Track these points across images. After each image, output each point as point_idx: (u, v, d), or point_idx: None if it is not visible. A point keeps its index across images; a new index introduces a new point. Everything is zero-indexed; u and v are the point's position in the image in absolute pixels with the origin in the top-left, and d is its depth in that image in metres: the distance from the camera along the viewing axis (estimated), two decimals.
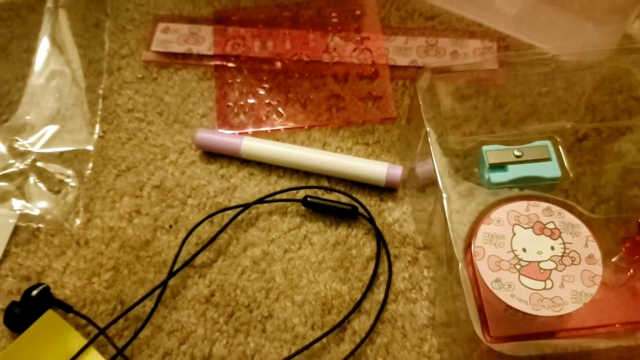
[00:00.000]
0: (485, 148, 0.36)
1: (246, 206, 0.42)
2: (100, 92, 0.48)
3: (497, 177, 0.35)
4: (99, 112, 0.47)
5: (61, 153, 0.45)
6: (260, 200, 0.42)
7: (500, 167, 0.36)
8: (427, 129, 0.38)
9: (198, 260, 0.41)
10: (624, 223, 0.36)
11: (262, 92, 0.48)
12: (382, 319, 0.38)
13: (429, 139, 0.38)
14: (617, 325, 0.32)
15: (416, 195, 0.42)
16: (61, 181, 0.44)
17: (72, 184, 0.43)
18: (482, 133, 0.43)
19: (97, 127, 0.46)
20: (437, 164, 0.37)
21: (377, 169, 0.42)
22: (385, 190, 0.43)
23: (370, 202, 0.43)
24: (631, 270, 0.34)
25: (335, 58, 0.49)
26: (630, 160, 0.39)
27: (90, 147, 0.45)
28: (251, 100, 0.47)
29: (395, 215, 0.42)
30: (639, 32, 0.48)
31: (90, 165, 0.44)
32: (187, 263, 0.40)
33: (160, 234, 0.42)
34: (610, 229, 0.36)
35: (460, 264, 0.33)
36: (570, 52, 0.42)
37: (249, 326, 0.38)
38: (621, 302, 0.33)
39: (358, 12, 0.51)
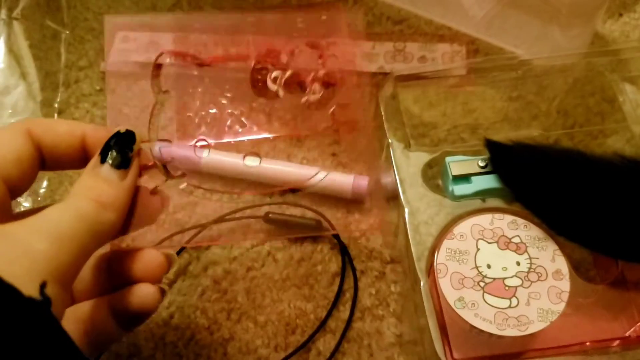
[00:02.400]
0: (448, 159, 0.35)
1: (205, 226, 0.40)
2: (57, 105, 0.46)
3: (460, 189, 0.34)
4: None
5: None
6: (220, 219, 0.40)
7: (464, 178, 0.34)
8: (389, 140, 0.37)
9: None
10: None
11: (224, 101, 0.46)
12: (348, 337, 0.37)
13: (391, 150, 0.36)
14: (587, 344, 0.31)
15: (383, 207, 0.41)
16: (14, 201, 0.42)
17: (25, 204, 0.42)
18: (450, 141, 0.41)
19: None
20: (400, 175, 0.35)
21: (342, 180, 0.41)
22: (352, 202, 0.42)
23: (336, 215, 0.41)
24: (601, 284, 0.33)
25: (300, 64, 0.47)
26: None
27: None
28: (213, 110, 0.46)
29: (362, 228, 0.41)
30: (611, 32, 0.46)
31: (45, 183, 0.43)
32: None
33: None
34: None
35: (422, 281, 0.32)
36: (540, 55, 0.41)
37: (210, 350, 0.37)
38: (591, 319, 0.32)
39: (324, 17, 0.50)
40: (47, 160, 0.29)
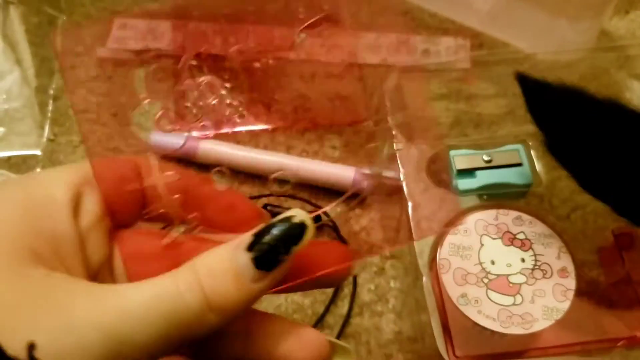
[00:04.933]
0: (452, 153, 0.34)
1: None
2: (52, 92, 0.45)
3: (464, 183, 0.33)
4: (50, 114, 0.44)
5: (9, 157, 0.43)
6: None
7: (468, 172, 0.34)
8: (393, 132, 0.36)
9: None
10: (600, 231, 0.34)
11: (223, 91, 0.45)
12: (346, 333, 0.36)
13: (395, 143, 0.35)
14: (591, 343, 0.30)
15: (384, 201, 0.40)
16: None
17: None
18: (453, 136, 0.41)
19: (47, 130, 0.44)
20: (403, 169, 0.35)
21: (343, 174, 0.40)
22: (353, 196, 0.41)
23: (336, 209, 0.40)
24: (607, 283, 0.32)
25: (301, 55, 0.47)
26: None
27: (39, 152, 0.42)
28: (213, 102, 0.45)
29: (362, 223, 0.40)
30: (617, 29, 0.46)
31: (39, 170, 0.42)
32: None
33: None
34: (586, 236, 0.34)
35: (424, 277, 0.31)
36: (546, 50, 0.40)
37: None
38: (596, 318, 0.31)
39: (326, 7, 0.49)
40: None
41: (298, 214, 0.21)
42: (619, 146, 0.29)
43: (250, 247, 0.20)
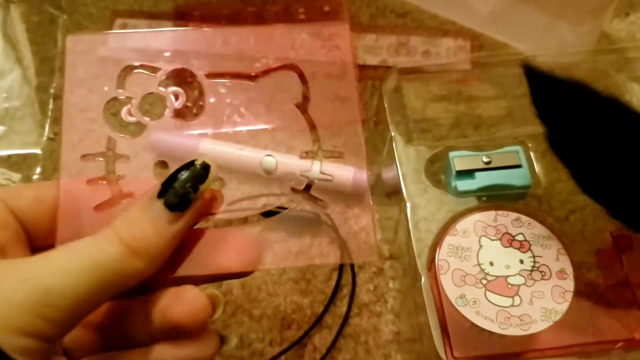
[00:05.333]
0: (452, 154, 0.34)
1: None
2: (52, 91, 0.45)
3: (464, 184, 0.33)
4: (50, 113, 0.44)
5: (9, 156, 0.43)
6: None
7: (467, 174, 0.34)
8: (392, 133, 0.36)
9: None
10: (599, 233, 0.34)
11: (223, 90, 0.45)
12: (345, 334, 0.36)
13: (394, 144, 0.36)
14: (589, 345, 0.30)
15: (383, 202, 0.40)
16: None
17: None
18: (453, 137, 0.41)
19: (48, 129, 0.44)
20: (402, 170, 0.35)
21: (342, 174, 0.40)
22: (352, 196, 0.41)
23: (335, 209, 0.40)
24: (605, 285, 0.32)
25: (301, 56, 0.47)
26: None
27: (39, 151, 0.42)
28: (212, 99, 0.45)
29: (361, 223, 0.40)
30: (617, 31, 0.46)
31: (39, 169, 0.42)
32: None
33: None
34: (585, 238, 0.34)
35: (423, 278, 0.31)
36: (546, 52, 0.40)
37: None
38: (594, 319, 0.31)
39: (326, 8, 0.49)
40: None
41: (200, 159, 0.24)
42: (619, 146, 0.28)
43: (161, 195, 0.22)
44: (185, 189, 0.23)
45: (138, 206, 0.23)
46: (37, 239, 0.24)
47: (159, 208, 0.22)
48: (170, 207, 0.23)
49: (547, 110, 0.30)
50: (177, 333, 0.24)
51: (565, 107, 0.29)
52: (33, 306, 0.20)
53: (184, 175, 0.23)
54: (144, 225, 0.22)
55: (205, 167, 0.24)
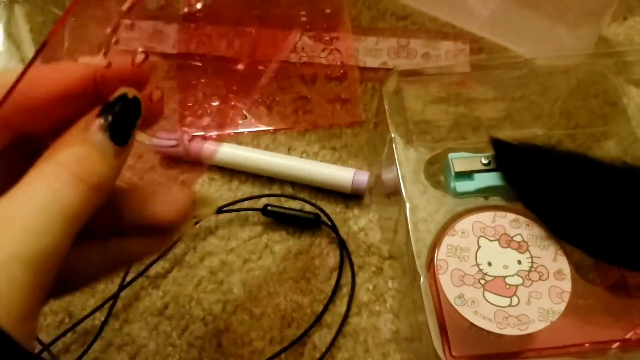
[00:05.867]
0: (451, 155, 0.34)
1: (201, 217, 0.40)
2: None
3: (462, 186, 0.34)
4: None
5: None
6: (218, 210, 0.40)
7: (466, 175, 0.34)
8: (392, 135, 0.36)
9: (152, 271, 0.39)
10: None
11: (226, 92, 0.46)
12: (344, 332, 0.37)
13: (394, 145, 0.36)
14: (586, 345, 0.31)
15: (383, 203, 0.40)
16: None
17: None
18: (452, 139, 0.41)
19: None
20: (402, 171, 0.35)
21: (343, 175, 0.41)
22: (352, 197, 0.41)
23: (335, 210, 0.41)
24: (602, 286, 0.32)
25: (303, 58, 0.47)
26: None
27: None
28: (215, 102, 0.45)
29: (360, 224, 0.40)
30: (615, 35, 0.46)
31: None
32: (140, 274, 0.38)
33: None
34: None
35: (422, 278, 0.31)
36: (545, 55, 0.40)
37: (204, 340, 0.36)
38: (591, 320, 0.31)
39: (328, 11, 0.49)
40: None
41: (127, 91, 0.23)
42: (586, 194, 0.31)
43: (107, 128, 0.22)
44: (130, 124, 0.23)
45: (82, 139, 0.22)
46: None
47: (106, 142, 0.22)
48: (117, 141, 0.22)
49: (514, 173, 0.33)
50: (149, 229, 0.24)
51: (530, 168, 0.33)
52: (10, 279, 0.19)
53: (121, 107, 0.23)
54: (95, 159, 0.21)
55: (137, 101, 0.23)
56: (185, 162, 0.43)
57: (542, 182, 0.32)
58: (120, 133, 0.22)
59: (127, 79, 0.24)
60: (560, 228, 0.32)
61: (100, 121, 0.22)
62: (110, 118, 0.22)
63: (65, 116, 0.22)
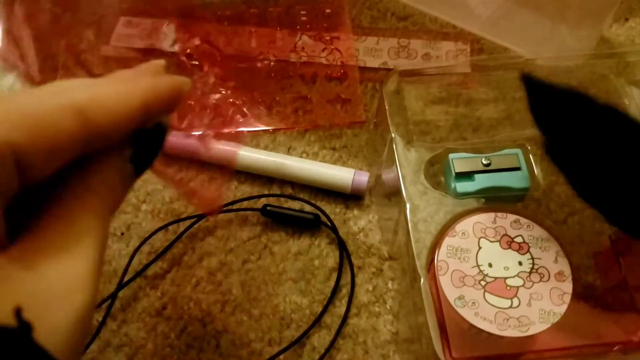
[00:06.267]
0: (452, 156, 0.34)
1: (201, 216, 0.39)
2: None
3: (463, 186, 0.33)
4: None
5: None
6: (217, 211, 0.40)
7: (467, 176, 0.34)
8: (393, 135, 0.36)
9: (150, 271, 0.38)
10: (597, 236, 0.34)
11: (225, 90, 0.46)
12: (343, 334, 0.36)
13: (394, 145, 0.36)
14: (587, 347, 0.31)
15: (383, 203, 0.40)
16: None
17: None
18: (452, 139, 0.41)
19: None
20: (402, 171, 0.35)
21: (342, 175, 0.40)
22: (351, 197, 0.41)
23: (335, 210, 0.41)
24: (603, 288, 0.32)
25: (303, 58, 0.47)
26: None
27: None
28: (214, 100, 0.45)
29: (360, 224, 0.40)
30: (616, 36, 0.46)
31: None
32: (138, 274, 0.38)
33: (111, 241, 0.39)
34: (583, 241, 0.34)
35: (422, 279, 0.31)
36: (546, 56, 0.40)
37: (202, 342, 0.36)
38: (592, 322, 0.31)
39: (328, 11, 0.49)
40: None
41: (165, 121, 0.23)
42: (616, 153, 0.29)
43: (133, 161, 0.22)
44: (153, 159, 0.24)
45: (112, 166, 0.22)
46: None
47: (129, 171, 0.23)
48: (138, 173, 0.23)
49: (544, 118, 0.30)
50: None
51: (562, 115, 0.30)
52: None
53: (154, 144, 0.24)
54: (119, 189, 0.22)
55: (165, 133, 0.24)
56: (183, 159, 0.43)
57: (573, 132, 0.29)
58: (144, 166, 0.23)
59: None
60: (583, 187, 0.30)
61: (130, 152, 0.22)
62: (140, 150, 0.23)
63: None
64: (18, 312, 0.17)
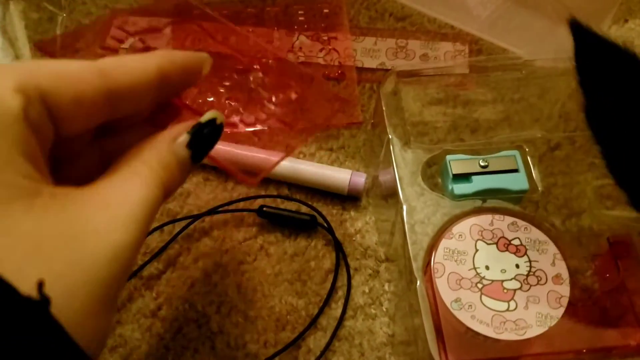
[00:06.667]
0: (449, 157, 0.34)
1: (197, 217, 0.39)
2: None
3: (460, 188, 0.33)
4: None
5: None
6: (213, 211, 0.39)
7: (464, 177, 0.34)
8: (390, 136, 0.36)
9: (145, 272, 0.38)
10: (595, 238, 0.34)
11: (222, 90, 0.45)
12: (339, 336, 0.36)
13: (392, 146, 0.35)
14: (584, 350, 0.30)
15: (380, 205, 0.40)
16: None
17: None
18: (450, 140, 0.41)
19: None
20: (399, 172, 0.35)
21: (340, 176, 0.40)
22: (348, 198, 0.41)
23: (331, 211, 0.40)
24: (601, 291, 0.32)
25: (300, 58, 0.47)
26: (604, 171, 0.37)
27: None
28: (210, 99, 0.45)
29: (357, 226, 0.40)
30: (616, 37, 0.46)
31: None
32: (134, 274, 0.38)
33: None
34: (581, 244, 0.34)
35: (418, 281, 0.31)
36: (544, 57, 0.40)
37: (197, 343, 0.36)
38: (589, 325, 0.31)
39: (326, 11, 0.49)
40: (115, 107, 0.23)
41: (218, 115, 0.25)
42: None
43: (189, 145, 0.24)
44: (210, 147, 0.25)
45: (170, 149, 0.24)
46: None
47: (186, 157, 0.24)
48: (195, 160, 0.25)
49: (591, 77, 0.27)
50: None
51: (610, 76, 0.26)
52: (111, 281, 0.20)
53: (209, 131, 0.25)
54: (176, 171, 0.24)
55: (221, 126, 0.26)
56: None
57: (619, 100, 0.26)
58: (200, 154, 0.25)
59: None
60: (617, 162, 0.27)
61: (188, 138, 0.24)
62: (197, 138, 0.25)
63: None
64: (40, 285, 0.18)
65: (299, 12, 0.49)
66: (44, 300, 0.18)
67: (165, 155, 0.24)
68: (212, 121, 0.25)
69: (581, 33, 0.27)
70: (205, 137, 0.25)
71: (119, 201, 0.21)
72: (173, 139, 0.24)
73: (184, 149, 0.24)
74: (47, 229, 0.19)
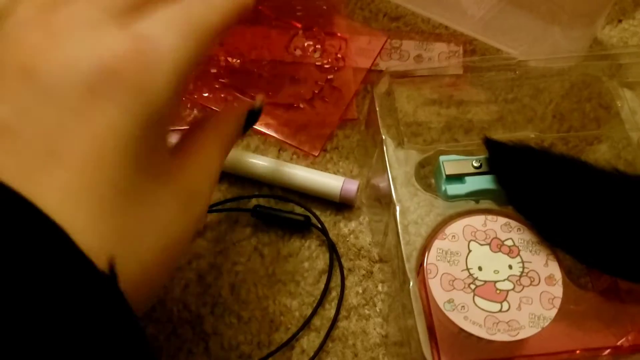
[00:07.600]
0: (442, 158, 0.34)
1: None
2: None
3: (453, 189, 0.33)
4: None
5: None
6: (208, 210, 0.39)
7: (457, 178, 0.34)
8: (383, 137, 0.36)
9: None
10: None
11: (217, 86, 0.45)
12: (333, 336, 0.36)
13: (385, 147, 0.35)
14: (578, 351, 0.30)
15: (373, 205, 0.40)
16: None
17: None
18: (444, 141, 0.41)
19: None
20: (392, 173, 0.35)
21: (332, 183, 0.40)
22: (341, 204, 0.41)
23: (325, 212, 0.40)
24: (594, 292, 0.32)
25: (295, 57, 0.47)
26: None
27: None
28: (206, 94, 0.45)
29: (351, 226, 0.40)
30: (609, 37, 0.46)
31: None
32: None
33: None
34: None
35: (411, 282, 0.31)
36: (538, 57, 0.40)
37: (191, 344, 0.36)
38: (583, 326, 0.31)
39: (323, 8, 0.49)
40: None
41: (264, 98, 0.32)
42: (579, 203, 0.31)
43: (247, 122, 0.31)
44: (251, 126, 0.32)
45: (236, 124, 0.30)
46: None
47: (240, 127, 0.30)
48: (243, 132, 0.31)
49: (505, 174, 0.33)
50: None
51: (521, 170, 0.32)
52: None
53: (259, 112, 0.31)
54: (232, 133, 0.30)
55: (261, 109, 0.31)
56: None
57: (534, 186, 0.32)
58: (247, 128, 0.31)
59: None
60: (551, 234, 0.32)
61: (246, 116, 0.30)
62: (252, 116, 0.31)
63: None
64: (112, 263, 0.20)
65: (297, 7, 0.49)
66: (113, 275, 0.20)
67: (233, 130, 0.29)
68: (261, 107, 0.31)
69: (493, 146, 0.34)
70: (254, 118, 0.31)
71: (210, 170, 0.27)
72: (239, 117, 0.30)
73: (242, 120, 0.30)
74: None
